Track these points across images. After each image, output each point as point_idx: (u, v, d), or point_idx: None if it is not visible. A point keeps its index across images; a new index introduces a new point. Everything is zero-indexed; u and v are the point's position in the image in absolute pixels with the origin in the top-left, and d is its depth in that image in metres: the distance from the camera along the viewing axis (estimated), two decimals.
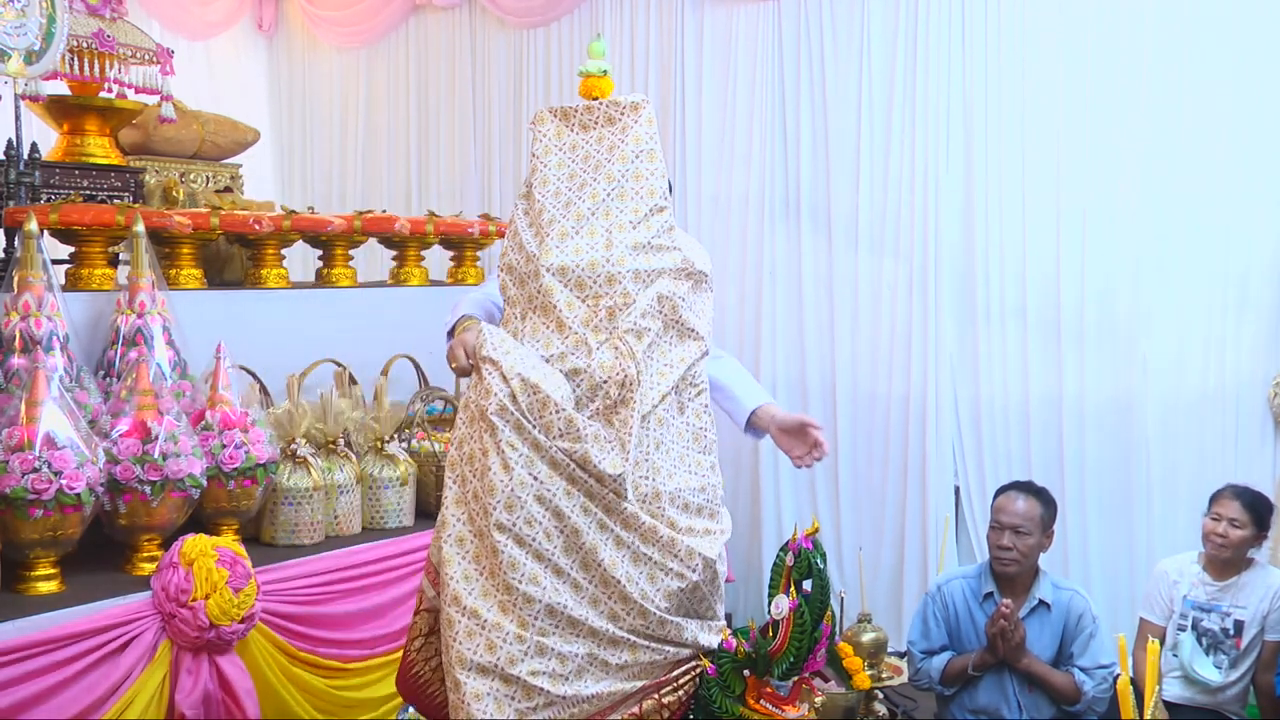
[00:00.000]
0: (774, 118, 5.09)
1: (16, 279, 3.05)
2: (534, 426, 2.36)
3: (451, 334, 2.67)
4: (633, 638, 2.39)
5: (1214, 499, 3.85)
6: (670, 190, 2.62)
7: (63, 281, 3.44)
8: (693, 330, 2.54)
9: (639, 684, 2.41)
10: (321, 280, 4.24)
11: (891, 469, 4.91)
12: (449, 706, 2.39)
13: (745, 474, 5.16)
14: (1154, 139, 4.40)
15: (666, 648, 2.43)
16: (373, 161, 6.39)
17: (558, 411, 2.36)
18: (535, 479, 2.34)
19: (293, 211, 4.00)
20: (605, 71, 2.63)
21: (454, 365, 2.54)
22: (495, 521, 2.33)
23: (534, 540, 2.33)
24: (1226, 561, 3.78)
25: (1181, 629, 3.81)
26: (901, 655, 3.95)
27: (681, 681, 2.47)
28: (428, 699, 2.62)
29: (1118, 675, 2.87)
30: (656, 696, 2.43)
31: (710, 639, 2.49)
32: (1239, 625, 3.75)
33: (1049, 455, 4.60)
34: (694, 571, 2.43)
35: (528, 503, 2.33)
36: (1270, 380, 4.34)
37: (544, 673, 2.32)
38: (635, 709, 2.41)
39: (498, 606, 2.34)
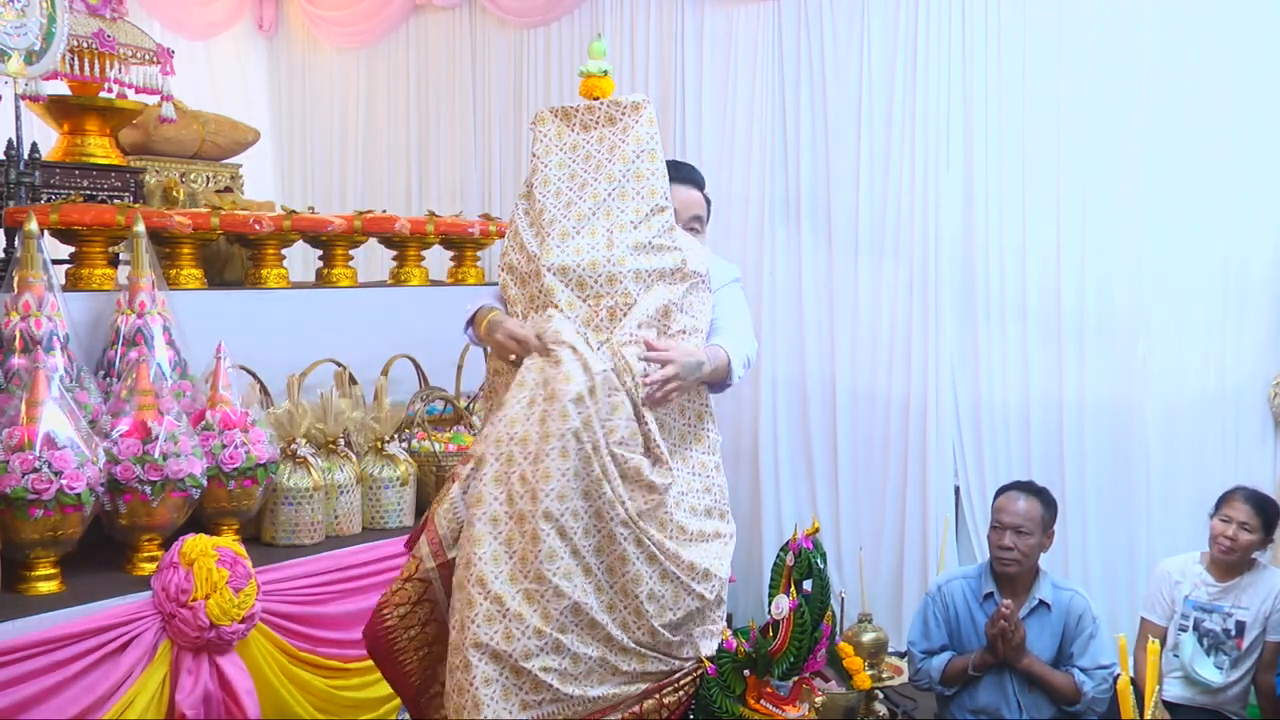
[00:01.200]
0: (774, 118, 5.08)
1: (16, 279, 3.05)
2: (600, 426, 2.37)
3: (471, 322, 2.66)
4: (640, 649, 2.42)
5: (1223, 501, 3.83)
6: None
7: (63, 281, 3.44)
8: (683, 332, 2.54)
9: (642, 687, 2.43)
10: (321, 280, 4.24)
11: (891, 469, 4.90)
12: (454, 684, 2.38)
13: (745, 474, 5.15)
14: (1154, 139, 4.39)
15: (672, 659, 2.47)
16: (373, 161, 6.38)
17: (627, 420, 2.39)
18: (589, 474, 2.35)
19: (293, 211, 4.00)
20: (606, 71, 2.63)
21: (512, 357, 2.52)
22: (544, 510, 2.33)
23: (574, 534, 2.34)
24: (1231, 563, 3.78)
25: (1183, 629, 3.80)
26: (901, 655, 3.95)
27: (682, 682, 2.48)
28: (397, 666, 2.60)
29: (1118, 675, 2.87)
30: (657, 696, 2.44)
31: (710, 645, 2.51)
32: (1240, 626, 3.74)
33: (1049, 455, 4.60)
34: (711, 592, 2.48)
35: (576, 496, 2.34)
36: (1270, 380, 4.33)
37: (555, 670, 2.33)
38: (635, 708, 2.42)
39: (523, 595, 2.34)
